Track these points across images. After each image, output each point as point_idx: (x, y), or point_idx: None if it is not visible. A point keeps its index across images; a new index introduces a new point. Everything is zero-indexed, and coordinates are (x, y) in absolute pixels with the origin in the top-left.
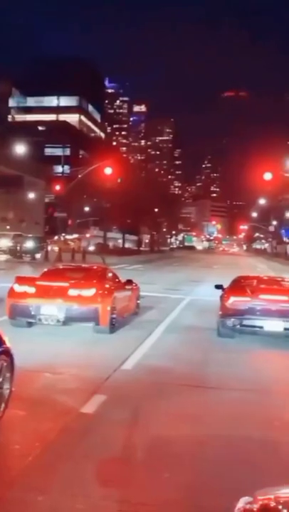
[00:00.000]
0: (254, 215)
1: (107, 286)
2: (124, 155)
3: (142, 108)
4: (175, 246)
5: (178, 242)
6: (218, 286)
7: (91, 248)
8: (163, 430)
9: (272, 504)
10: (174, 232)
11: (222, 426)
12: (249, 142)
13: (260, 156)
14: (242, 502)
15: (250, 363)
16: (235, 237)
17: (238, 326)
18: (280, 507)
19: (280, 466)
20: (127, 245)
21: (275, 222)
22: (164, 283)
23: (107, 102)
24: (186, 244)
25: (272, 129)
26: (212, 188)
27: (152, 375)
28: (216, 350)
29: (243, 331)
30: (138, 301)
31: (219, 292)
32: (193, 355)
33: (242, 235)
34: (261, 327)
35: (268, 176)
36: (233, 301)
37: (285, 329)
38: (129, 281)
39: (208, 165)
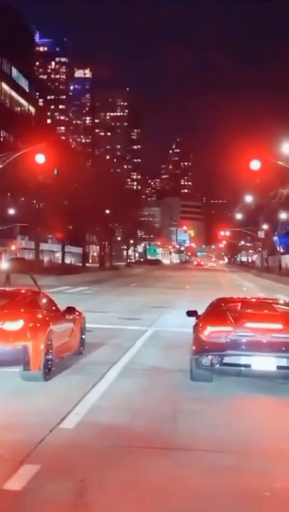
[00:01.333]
0: (238, 217)
1: (40, 316)
2: (63, 137)
3: (87, 73)
4: (134, 260)
5: (138, 254)
6: (190, 313)
7: (2, 266)
8: None
9: None
10: (132, 241)
11: (190, 504)
12: (231, 120)
13: (246, 139)
14: None
15: (232, 416)
16: (213, 247)
17: (218, 366)
18: None
19: None
20: (68, 260)
21: (265, 227)
22: (119, 310)
23: (38, 64)
24: (148, 257)
25: (261, 102)
26: (182, 182)
27: (101, 436)
28: (188, 399)
29: (223, 371)
30: (83, 336)
31: (192, 321)
32: (157, 407)
33: (222, 244)
34: (248, 366)
35: (255, 165)
36: (210, 332)
37: (279, 368)
38: (71, 310)
39: (177, 150)
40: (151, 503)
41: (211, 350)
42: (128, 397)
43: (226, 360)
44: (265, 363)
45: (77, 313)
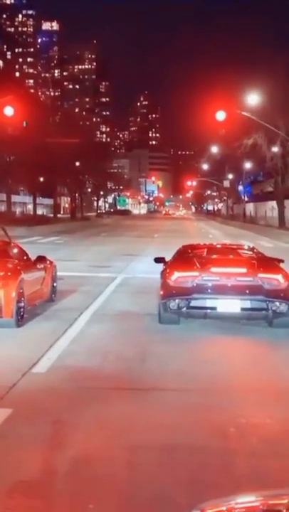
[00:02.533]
0: (204, 167)
1: (11, 266)
2: (32, 90)
3: (54, 26)
4: (104, 211)
5: (108, 205)
6: (158, 260)
7: None
8: (86, 449)
9: None
10: (102, 192)
11: (160, 438)
12: (198, 71)
13: (212, 90)
14: None
15: (198, 356)
16: (181, 197)
17: (185, 309)
18: None
19: (231, 485)
20: (40, 211)
21: (231, 176)
22: (90, 259)
23: (4, 17)
24: (118, 207)
25: (227, 51)
26: (150, 134)
27: (73, 379)
28: (156, 341)
29: (190, 314)
30: (54, 284)
31: (160, 268)
32: (126, 349)
33: (190, 194)
34: (214, 308)
35: (220, 116)
36: (177, 277)
37: (243, 310)
38: (42, 259)
39: (145, 103)
40: (123, 439)
41: (178, 294)
42: (98, 341)
43: (193, 303)
44: (229, 305)
45: (48, 262)
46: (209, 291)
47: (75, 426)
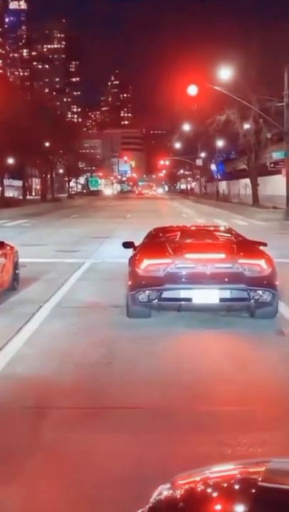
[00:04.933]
0: (177, 146)
1: None
2: (0, 70)
3: (22, 5)
4: (76, 192)
5: (80, 186)
6: (127, 245)
7: None
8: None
9: (200, 487)
10: (73, 173)
11: (124, 489)
12: (169, 48)
13: (184, 66)
14: (160, 490)
15: (172, 357)
16: (154, 176)
17: (156, 301)
18: (210, 490)
19: None
20: (10, 194)
21: (203, 155)
22: (57, 243)
23: None
24: (90, 188)
25: (198, 25)
26: (122, 114)
27: (19, 395)
28: (124, 338)
29: (162, 307)
30: (16, 271)
31: (130, 252)
32: (89, 351)
33: (163, 173)
34: (189, 300)
35: (192, 90)
36: (147, 265)
37: (222, 300)
38: (1, 244)
39: (116, 82)
40: (72, 489)
41: (148, 285)
42: (57, 341)
43: (165, 294)
44: (207, 295)
45: (8, 248)
46: (183, 280)
47: (11, 471)
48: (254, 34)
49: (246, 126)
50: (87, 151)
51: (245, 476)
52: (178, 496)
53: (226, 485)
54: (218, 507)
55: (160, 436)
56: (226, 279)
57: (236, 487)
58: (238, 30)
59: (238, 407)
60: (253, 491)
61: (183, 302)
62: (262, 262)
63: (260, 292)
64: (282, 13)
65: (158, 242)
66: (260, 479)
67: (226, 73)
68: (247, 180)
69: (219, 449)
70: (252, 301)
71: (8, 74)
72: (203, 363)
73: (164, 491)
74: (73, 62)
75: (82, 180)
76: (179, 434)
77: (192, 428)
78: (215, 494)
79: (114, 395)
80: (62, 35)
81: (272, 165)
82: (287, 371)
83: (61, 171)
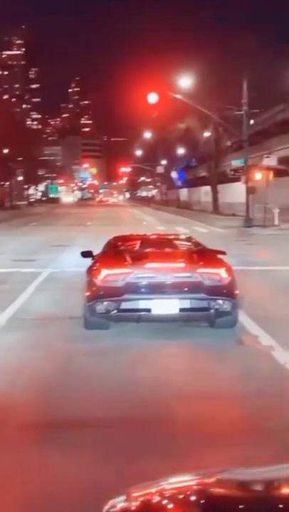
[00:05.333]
0: (138, 153)
1: None
2: None
3: None
4: (35, 199)
5: (40, 193)
6: (85, 254)
7: None
8: None
9: (156, 499)
10: (33, 180)
11: None
12: (129, 54)
13: (144, 74)
14: (111, 504)
15: (130, 371)
16: (115, 184)
17: (115, 312)
18: (165, 501)
19: None
20: None
21: (164, 162)
22: (15, 251)
23: None
24: (50, 196)
25: (159, 34)
26: (83, 121)
27: None
28: (81, 352)
29: (121, 318)
30: None
31: (90, 261)
32: (44, 365)
33: (124, 181)
34: (148, 310)
35: (153, 98)
36: (105, 275)
37: (182, 310)
38: None
39: (77, 89)
40: None
41: (106, 295)
42: (9, 356)
43: (124, 305)
44: (166, 306)
45: None
46: (143, 290)
47: None
48: (213, 43)
49: (206, 134)
50: (48, 158)
51: (199, 486)
52: (133, 508)
53: (180, 496)
54: None
55: (114, 454)
56: (186, 289)
57: (191, 498)
58: (198, 39)
59: (199, 423)
60: (207, 501)
61: (142, 313)
62: (221, 271)
63: (220, 302)
64: (241, 23)
65: (117, 251)
66: (213, 489)
67: (186, 81)
68: (207, 188)
69: (176, 466)
70: (212, 310)
71: None
72: (162, 377)
73: (118, 504)
74: (33, 69)
75: (42, 187)
76: (134, 452)
77: (149, 445)
78: (170, 506)
79: (67, 411)
80: (21, 42)
81: (232, 172)
82: (247, 383)
83: (20, 178)
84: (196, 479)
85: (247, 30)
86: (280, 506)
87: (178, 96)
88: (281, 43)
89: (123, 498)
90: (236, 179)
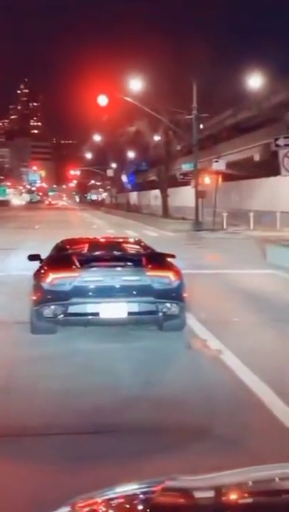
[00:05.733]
0: (88, 156)
1: None
2: None
3: None
4: None
5: None
6: (32, 258)
7: None
8: None
9: (101, 509)
10: None
11: None
12: (79, 56)
13: (94, 77)
14: None
15: (80, 376)
16: (64, 187)
17: (62, 316)
18: (111, 511)
19: None
20: None
21: (114, 166)
22: None
23: None
24: None
25: (109, 36)
26: (32, 123)
27: None
28: (27, 358)
29: (68, 322)
30: None
31: (37, 265)
32: None
33: (73, 184)
34: (96, 314)
35: (102, 101)
36: (52, 278)
37: (130, 314)
38: None
39: (25, 91)
40: None
41: (53, 299)
42: None
43: (71, 309)
44: (114, 309)
45: None
46: (90, 294)
47: None
48: (165, 47)
49: (156, 137)
50: None
51: (145, 495)
52: None
53: (127, 505)
54: None
55: (56, 465)
56: (134, 292)
57: (138, 507)
58: (149, 43)
59: (147, 429)
60: (153, 510)
61: (90, 317)
62: (170, 275)
63: (168, 305)
64: (191, 27)
65: (65, 254)
66: (159, 498)
67: (136, 84)
68: (157, 192)
69: (121, 475)
70: (160, 313)
71: None
72: (111, 383)
73: None
74: None
75: None
76: (79, 463)
77: (95, 455)
78: None
79: (11, 422)
80: None
81: (181, 176)
82: (194, 387)
83: None
84: (142, 488)
85: (198, 36)
86: None
87: (128, 99)
88: (231, 49)
89: (67, 509)
90: (186, 183)
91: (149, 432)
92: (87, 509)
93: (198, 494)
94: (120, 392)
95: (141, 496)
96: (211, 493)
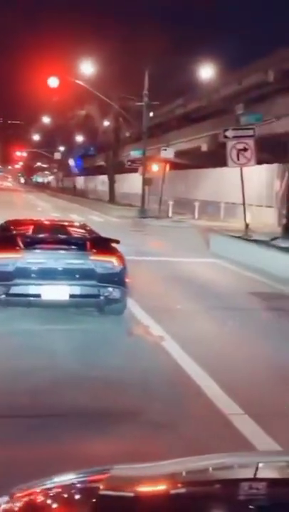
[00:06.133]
0: (35, 138)
1: None
2: None
3: None
4: None
5: None
6: None
7: None
8: None
9: (40, 499)
10: None
11: None
12: (29, 33)
13: (44, 56)
14: None
15: (16, 359)
16: (10, 168)
17: (4, 297)
18: (49, 501)
19: None
20: None
21: (62, 149)
22: None
23: None
24: None
25: (62, 16)
26: None
27: None
28: None
29: (10, 302)
30: None
31: None
32: None
33: (19, 165)
34: (38, 296)
35: (53, 82)
36: None
37: (72, 297)
38: None
39: None
40: None
41: None
42: None
43: (13, 290)
44: (57, 292)
45: None
46: (33, 275)
47: None
48: (117, 32)
49: (106, 123)
50: None
51: (86, 485)
52: (16, 509)
53: (66, 495)
54: None
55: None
56: (77, 276)
57: (77, 497)
58: (102, 27)
59: (83, 412)
60: (94, 499)
61: (32, 298)
62: (113, 259)
63: (110, 289)
64: (146, 15)
65: (8, 235)
66: (101, 487)
67: (88, 68)
68: (104, 177)
69: (61, 458)
70: (102, 297)
71: None
72: (49, 366)
73: (1, 505)
74: None
75: None
76: (17, 444)
77: (34, 435)
78: (55, 505)
79: None
80: None
81: (129, 163)
82: (134, 371)
83: None
84: (82, 477)
85: (153, 24)
86: (169, 502)
87: (79, 82)
88: (185, 39)
89: (6, 499)
90: (134, 170)
91: (84, 415)
92: (26, 499)
93: (142, 483)
94: (57, 373)
95: (81, 485)
96: (149, 483)
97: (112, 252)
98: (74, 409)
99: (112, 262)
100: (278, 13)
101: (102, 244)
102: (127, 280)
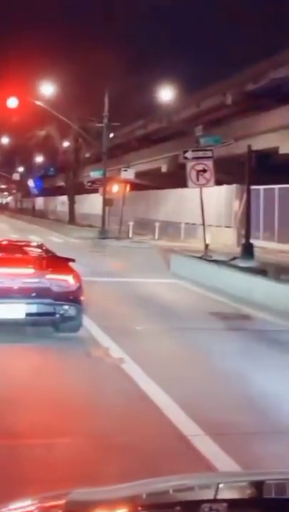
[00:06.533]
0: None
1: None
2: None
3: None
4: None
5: None
6: None
7: None
8: None
9: None
10: None
11: None
12: None
13: (4, 74)
14: None
15: None
16: None
17: None
18: None
19: None
20: None
21: (21, 169)
22: None
23: None
24: None
25: (23, 38)
26: None
27: None
28: None
29: None
30: None
31: None
32: None
33: None
34: None
35: (12, 103)
36: None
37: (28, 315)
38: None
39: None
40: None
41: None
42: None
43: None
44: (13, 310)
45: None
46: None
47: None
48: (77, 53)
49: (66, 143)
50: None
51: (44, 510)
52: None
53: None
54: None
55: None
56: (33, 294)
57: None
58: (63, 49)
59: (41, 439)
60: None
61: None
62: (69, 278)
63: (65, 307)
64: (107, 36)
65: None
66: None
67: (47, 89)
68: (64, 198)
69: (18, 486)
70: (57, 315)
71: None
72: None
73: None
74: None
75: None
76: None
77: None
78: None
79: None
80: None
81: (89, 184)
82: (93, 393)
83: None
84: (39, 503)
85: (113, 45)
86: None
87: (39, 103)
88: (145, 61)
89: None
90: (94, 190)
91: (42, 437)
92: None
93: (96, 509)
94: (10, 393)
95: (39, 511)
96: (109, 507)
97: (68, 270)
98: (26, 432)
99: (67, 281)
100: (224, 38)
101: (58, 263)
102: (82, 298)
